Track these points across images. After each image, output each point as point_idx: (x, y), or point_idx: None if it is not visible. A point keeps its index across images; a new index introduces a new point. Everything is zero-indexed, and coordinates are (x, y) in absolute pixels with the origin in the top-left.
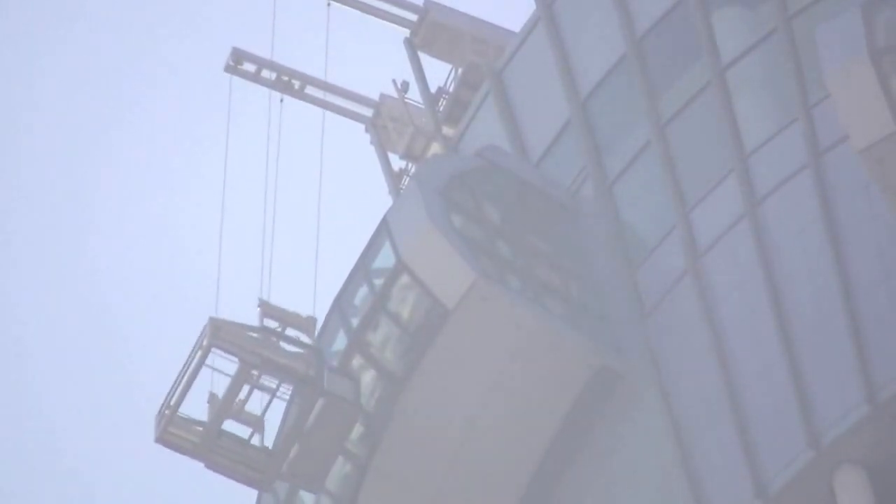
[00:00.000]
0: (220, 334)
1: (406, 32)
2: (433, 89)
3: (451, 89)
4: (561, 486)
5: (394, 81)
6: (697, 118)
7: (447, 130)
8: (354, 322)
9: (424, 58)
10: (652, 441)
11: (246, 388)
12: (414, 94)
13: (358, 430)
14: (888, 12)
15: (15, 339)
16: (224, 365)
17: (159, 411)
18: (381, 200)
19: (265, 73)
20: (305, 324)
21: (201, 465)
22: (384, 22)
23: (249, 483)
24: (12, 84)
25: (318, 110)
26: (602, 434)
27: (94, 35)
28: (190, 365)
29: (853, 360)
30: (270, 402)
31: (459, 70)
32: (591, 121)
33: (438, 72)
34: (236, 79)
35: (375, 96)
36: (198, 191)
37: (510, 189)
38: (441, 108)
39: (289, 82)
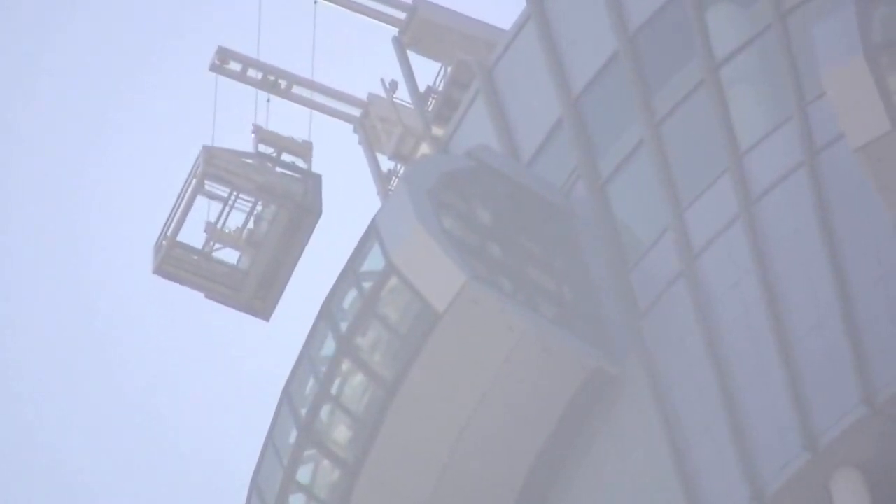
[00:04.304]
0: (213, 162)
1: (394, 30)
2: (422, 88)
3: (440, 88)
4: (554, 490)
5: (382, 81)
6: (691, 116)
7: (437, 130)
8: (343, 326)
9: (413, 56)
10: (647, 444)
11: (243, 215)
12: (403, 94)
13: (347, 434)
14: (883, 9)
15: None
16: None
17: (157, 243)
18: (369, 202)
19: (251, 73)
20: (301, 148)
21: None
22: (372, 20)
23: (244, 309)
24: None
25: (305, 110)
26: (596, 437)
27: (79, 34)
28: (185, 195)
29: (850, 362)
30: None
31: (449, 68)
32: (584, 119)
33: (428, 71)
34: (222, 78)
35: (364, 96)
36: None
37: (501, 190)
38: (430, 108)
39: (275, 82)
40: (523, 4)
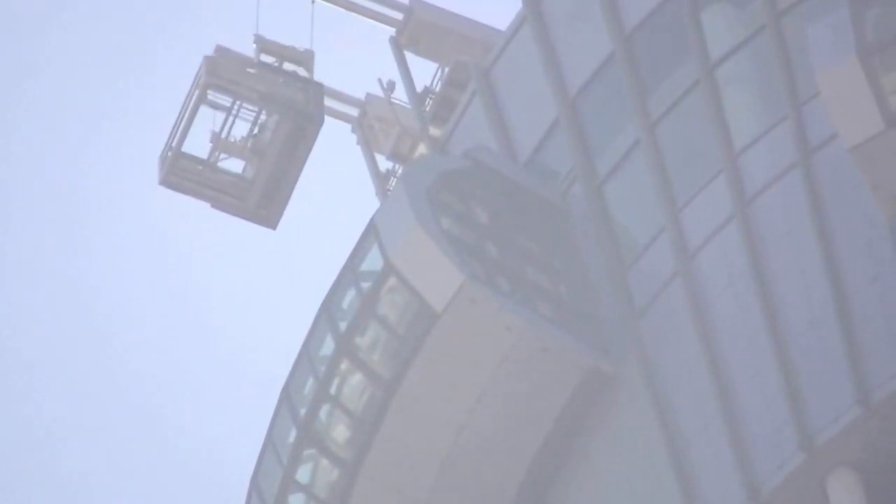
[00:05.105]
0: (216, 71)
1: (392, 31)
2: (419, 89)
3: (437, 89)
4: (552, 489)
5: (380, 81)
6: (686, 117)
7: (434, 131)
8: (342, 326)
9: (411, 57)
10: (643, 443)
11: (247, 125)
12: (400, 94)
13: (346, 433)
14: (877, 9)
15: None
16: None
17: (162, 154)
18: (368, 202)
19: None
20: (303, 57)
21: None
22: (369, 20)
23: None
24: None
25: None
26: (593, 436)
27: (76, 33)
28: (188, 105)
29: (845, 361)
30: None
31: (446, 69)
32: (580, 120)
33: (425, 71)
34: None
35: (361, 96)
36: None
37: (499, 190)
38: (428, 108)
39: None
40: (520, 6)
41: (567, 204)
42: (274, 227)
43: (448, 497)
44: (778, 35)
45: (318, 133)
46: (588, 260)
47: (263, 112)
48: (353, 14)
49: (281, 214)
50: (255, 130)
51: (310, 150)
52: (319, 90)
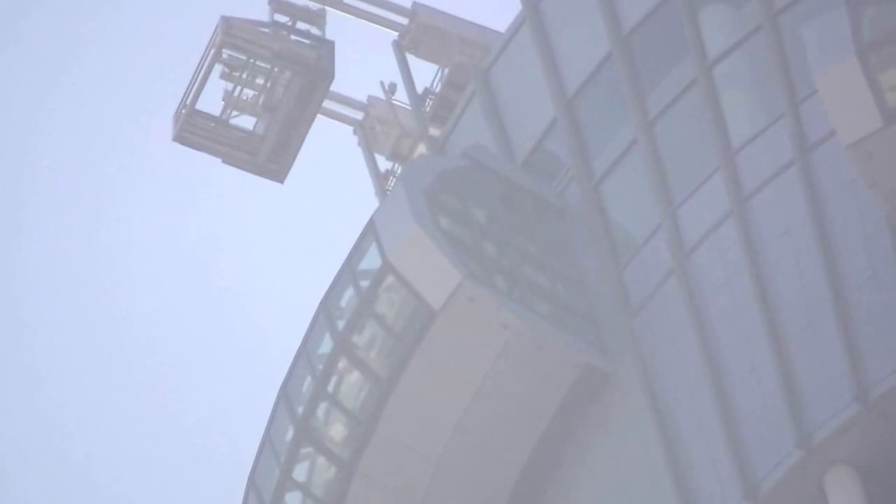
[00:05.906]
0: (231, 31)
1: (394, 35)
2: (420, 90)
3: (437, 90)
4: (548, 486)
5: (381, 83)
6: (684, 116)
7: (433, 131)
8: (340, 324)
9: (412, 60)
10: (640, 441)
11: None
12: (401, 96)
13: (343, 431)
14: (873, 8)
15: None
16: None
17: (176, 111)
18: (367, 202)
19: None
20: (315, 17)
21: None
22: (371, 24)
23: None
24: (14, 84)
25: None
26: (589, 434)
27: (85, 33)
28: (203, 64)
29: (843, 359)
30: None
31: (446, 71)
32: (578, 120)
33: (426, 74)
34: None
35: (363, 98)
36: (191, 193)
37: (496, 189)
38: (427, 109)
39: None
40: (519, 8)
41: (564, 203)
42: (282, 182)
43: (444, 495)
44: (775, 34)
45: (328, 88)
46: (585, 258)
47: (275, 69)
48: (355, 18)
49: (289, 169)
50: (268, 84)
51: (320, 105)
52: (331, 47)
